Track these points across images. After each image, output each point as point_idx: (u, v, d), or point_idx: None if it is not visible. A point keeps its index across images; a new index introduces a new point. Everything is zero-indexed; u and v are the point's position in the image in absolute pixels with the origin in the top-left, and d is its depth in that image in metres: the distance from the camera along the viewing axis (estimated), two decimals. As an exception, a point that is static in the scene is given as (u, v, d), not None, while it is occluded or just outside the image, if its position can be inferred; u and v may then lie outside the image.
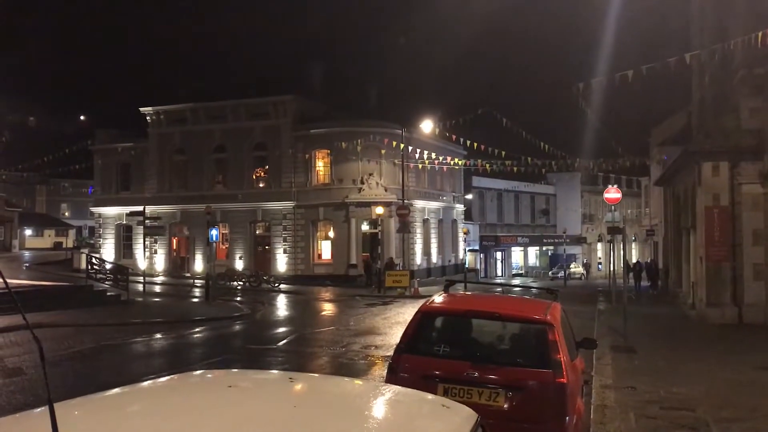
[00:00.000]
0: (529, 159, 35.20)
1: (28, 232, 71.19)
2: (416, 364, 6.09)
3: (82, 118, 73.18)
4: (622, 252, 20.72)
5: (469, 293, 12.79)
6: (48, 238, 72.63)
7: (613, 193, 26.02)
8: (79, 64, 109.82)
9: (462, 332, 6.83)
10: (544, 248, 68.56)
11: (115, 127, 48.88)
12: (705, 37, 21.30)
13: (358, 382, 3.14)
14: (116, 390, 2.36)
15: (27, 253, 58.72)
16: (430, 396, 2.82)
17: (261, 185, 43.07)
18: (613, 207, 27.67)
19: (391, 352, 13.52)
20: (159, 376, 2.85)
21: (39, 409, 2.00)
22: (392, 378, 6.03)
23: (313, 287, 35.62)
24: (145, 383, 2.65)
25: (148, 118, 45.36)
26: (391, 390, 2.72)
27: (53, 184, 78.61)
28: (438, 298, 7.08)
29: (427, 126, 34.38)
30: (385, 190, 39.41)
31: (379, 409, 2.36)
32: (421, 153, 38.15)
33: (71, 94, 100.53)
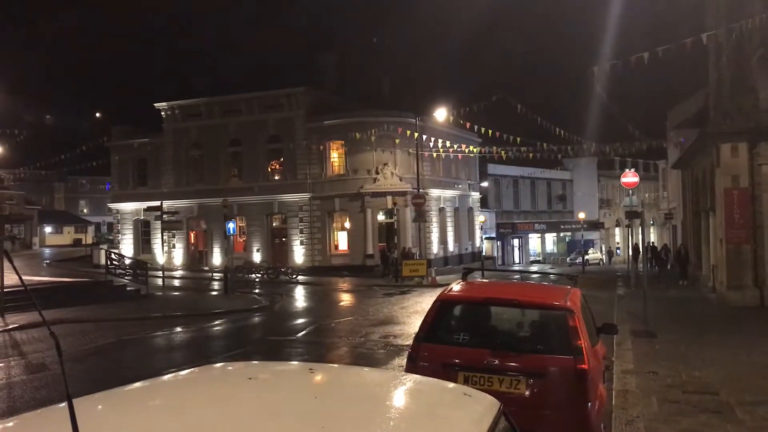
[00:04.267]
0: (545, 145, 34.93)
1: (48, 229, 71.97)
2: (436, 353, 6.08)
3: (98, 115, 73.75)
4: (640, 236, 20.55)
5: (487, 281, 12.74)
6: (67, 235, 73.42)
7: (630, 177, 25.80)
8: (93, 63, 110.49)
9: (481, 320, 6.81)
10: (562, 234, 68.23)
11: (131, 124, 49.20)
12: (722, 17, 20.98)
13: (378, 371, 3.13)
14: (137, 384, 2.37)
15: (47, 250, 59.41)
16: (451, 384, 2.81)
17: (276, 178, 43.17)
18: (630, 191, 27.47)
19: (409, 342, 13.53)
20: (179, 370, 2.86)
21: (61, 405, 2.01)
22: (412, 367, 6.03)
23: (330, 278, 35.72)
24: (166, 377, 2.66)
25: (162, 113, 45.58)
26: (412, 379, 2.70)
27: (71, 182, 79.36)
28: (456, 287, 7.05)
29: (440, 114, 34.21)
30: (400, 180, 39.34)
31: (400, 398, 2.35)
32: (436, 141, 37.99)
33: (87, 92, 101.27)
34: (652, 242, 52.68)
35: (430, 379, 2.86)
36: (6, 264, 19.01)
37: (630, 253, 33.57)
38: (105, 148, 47.92)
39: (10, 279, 19.52)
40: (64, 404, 1.80)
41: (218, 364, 2.87)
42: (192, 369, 2.66)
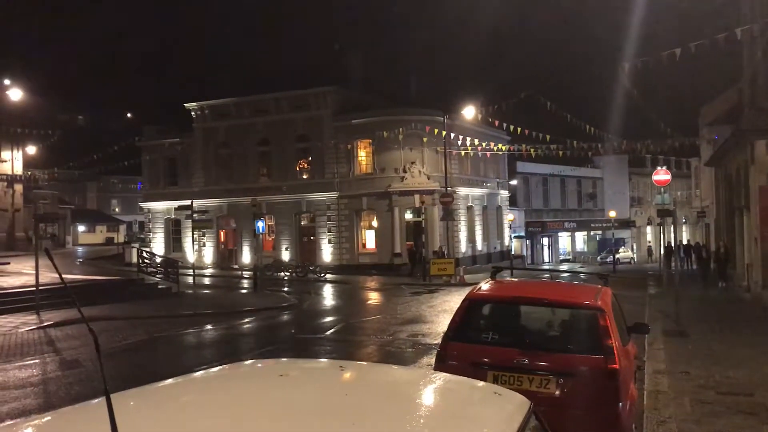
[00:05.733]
0: (575, 142, 34.57)
1: (81, 228, 73.22)
2: (465, 352, 6.07)
3: (129, 115, 74.83)
4: (672, 235, 20.26)
5: (517, 280, 12.66)
6: (100, 234, 74.62)
7: (662, 175, 25.45)
8: (125, 63, 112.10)
9: (510, 319, 6.79)
10: (592, 233, 67.50)
11: (162, 124, 49.81)
12: (757, 11, 20.56)
13: (408, 369, 3.14)
14: (170, 380, 2.40)
15: (80, 249, 60.45)
16: (480, 383, 2.80)
17: (304, 176, 43.39)
18: (662, 189, 27.10)
19: (438, 341, 13.52)
20: (210, 367, 2.89)
21: (96, 400, 2.04)
22: (441, 366, 6.02)
23: (358, 276, 35.81)
24: (198, 373, 2.69)
25: (192, 113, 46.10)
26: (442, 377, 2.70)
27: (103, 181, 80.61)
28: (485, 285, 7.02)
29: (469, 112, 34.05)
30: (428, 178, 39.27)
31: (430, 396, 2.35)
32: (464, 139, 37.84)
33: (119, 92, 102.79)
34: (687, 240, 51.89)
35: (460, 377, 2.85)
36: (43, 262, 19.41)
37: (662, 251, 33.06)
38: (136, 147, 48.62)
39: (45, 277, 19.91)
40: (99, 399, 1.84)
41: (249, 361, 2.90)
42: (223, 366, 2.69)
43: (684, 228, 62.91)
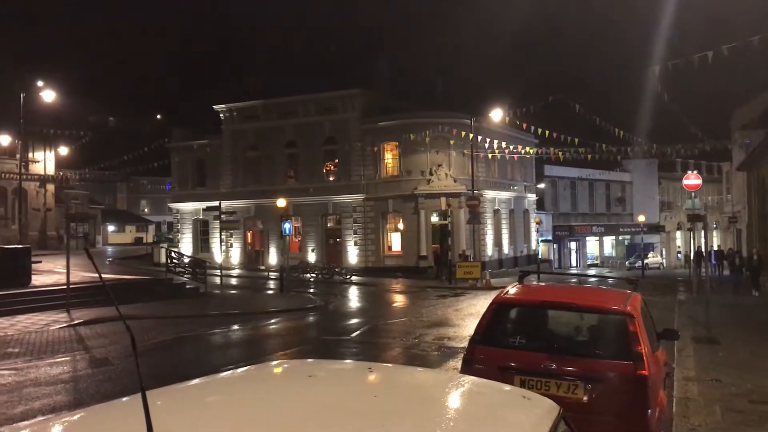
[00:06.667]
0: (604, 146, 34.23)
1: (111, 228, 74.27)
2: (491, 356, 6.03)
3: (158, 117, 75.75)
4: (703, 240, 19.95)
5: (544, 284, 12.55)
6: (129, 234, 75.63)
7: (692, 180, 25.02)
8: (155, 66, 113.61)
9: (538, 323, 6.73)
10: (620, 237, 66.73)
11: (191, 125, 50.37)
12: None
13: (436, 372, 3.13)
14: (200, 379, 2.43)
15: (110, 248, 61.32)
16: (508, 387, 2.78)
17: (331, 179, 43.55)
18: (692, 194, 26.61)
19: (464, 344, 13.46)
20: (237, 367, 2.91)
21: (130, 397, 2.07)
22: (467, 369, 5.98)
23: (383, 279, 35.82)
24: (229, 373, 2.71)
25: (221, 115, 46.54)
26: (470, 381, 2.69)
27: (133, 182, 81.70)
28: (512, 289, 6.97)
29: (496, 114, 33.90)
30: (455, 181, 39.17)
31: (459, 399, 2.34)
32: (491, 142, 37.67)
33: (148, 94, 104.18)
34: (718, 246, 51.06)
35: (489, 381, 2.84)
36: (73, 261, 19.73)
37: (692, 257, 32.55)
38: (165, 149, 49.23)
39: (75, 276, 20.23)
40: (136, 396, 1.86)
41: (278, 362, 2.92)
42: (252, 366, 2.71)
43: (715, 233, 61.90)
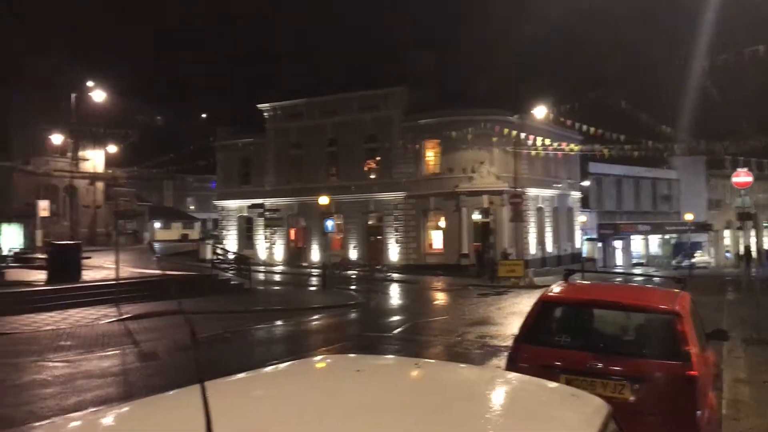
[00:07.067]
0: (650, 143, 33.55)
1: (157, 224, 75.70)
2: (536, 354, 6.00)
3: (203, 116, 76.95)
4: (754, 239, 19.42)
5: (589, 282, 12.36)
6: (175, 231, 76.97)
7: (743, 177, 24.32)
8: (200, 65, 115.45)
9: (584, 322, 6.66)
10: (667, 236, 65.34)
11: (235, 124, 51.04)
12: None
13: (485, 369, 3.14)
14: (251, 372, 2.48)
15: (157, 245, 62.49)
16: (556, 385, 2.76)
17: (373, 176, 43.67)
18: (742, 191, 25.89)
19: (506, 343, 13.38)
20: (282, 362, 2.96)
21: (186, 388, 2.14)
22: (512, 368, 5.95)
23: (424, 276, 35.77)
24: (280, 366, 2.77)
25: (265, 114, 47.09)
26: (518, 378, 2.68)
27: (179, 180, 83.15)
28: (557, 288, 6.92)
29: (539, 111, 33.54)
30: (497, 179, 38.88)
31: (508, 396, 2.34)
32: (534, 139, 37.24)
33: (194, 93, 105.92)
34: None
35: (536, 378, 2.83)
36: (123, 257, 20.23)
37: (743, 256, 31.70)
38: (211, 147, 50.05)
39: (122, 271, 20.72)
40: (190, 387, 1.92)
41: (327, 356, 2.96)
42: (302, 360, 2.75)
43: (766, 232, 60.17)
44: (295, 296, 26.19)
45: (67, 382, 10.19)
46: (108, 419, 2.07)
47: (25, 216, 42.67)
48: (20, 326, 16.05)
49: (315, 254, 44.05)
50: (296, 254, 46.05)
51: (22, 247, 40.19)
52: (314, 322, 18.77)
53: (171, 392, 2.23)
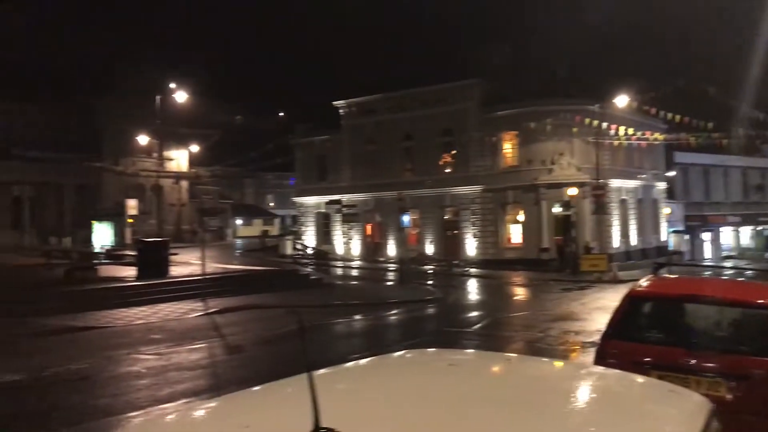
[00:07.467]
0: (740, 130, 31.99)
1: (239, 221, 77.84)
2: (626, 351, 5.82)
3: (281, 114, 78.55)
4: None
5: (679, 276, 11.89)
6: (256, 227, 78.94)
7: None
8: (277, 65, 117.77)
9: (675, 318, 6.43)
10: (760, 228, 62.21)
11: (311, 122, 51.85)
12: None
13: (577, 365, 3.05)
14: (350, 364, 2.50)
15: (238, 241, 64.31)
16: (653, 380, 2.65)
17: (449, 171, 43.43)
18: None
19: (591, 339, 13.07)
20: (364, 355, 2.96)
21: (294, 377, 2.19)
22: (600, 364, 5.79)
23: (503, 271, 35.32)
24: (374, 359, 2.77)
25: (341, 111, 47.58)
26: (614, 374, 2.60)
27: (259, 177, 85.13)
28: (647, 282, 6.70)
29: (621, 100, 32.51)
30: (578, 170, 37.94)
31: (605, 392, 2.25)
32: (616, 129, 36.09)
33: (271, 93, 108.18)
34: None
35: (632, 374, 2.73)
36: (207, 253, 20.90)
37: None
38: (289, 145, 51.05)
39: (207, 267, 21.38)
40: (298, 376, 1.99)
41: (419, 350, 2.95)
42: (397, 353, 2.76)
43: None
44: (372, 291, 26.35)
45: (159, 373, 10.60)
46: (223, 406, 2.13)
47: (114, 214, 44.83)
48: (113, 320, 16.83)
49: (391, 249, 44.22)
50: (373, 249, 46.36)
51: (112, 244, 42.20)
52: (392, 317, 18.85)
53: (280, 381, 2.29)
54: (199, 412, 2.10)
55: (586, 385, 2.36)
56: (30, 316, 16.38)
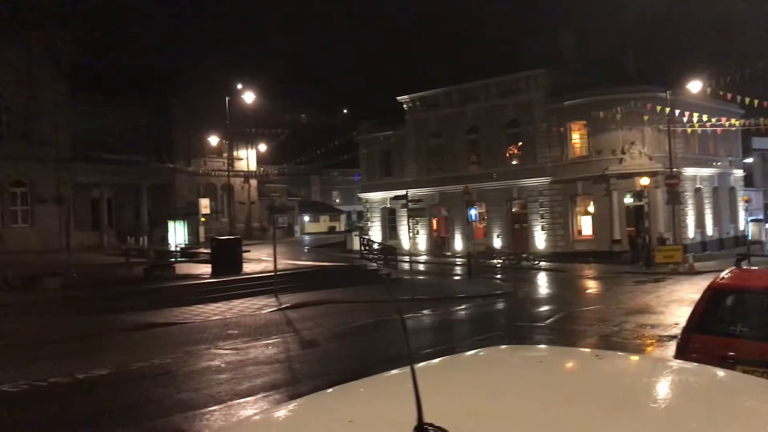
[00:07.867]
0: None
1: (306, 218, 79.10)
2: (708, 345, 5.69)
3: (345, 111, 79.26)
4: None
5: (762, 268, 11.45)
6: (323, 223, 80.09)
7: None
8: (338, 61, 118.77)
9: (760, 311, 6.23)
10: None
11: (376, 118, 52.13)
12: None
13: (669, 361, 3.01)
14: (436, 360, 2.55)
15: (306, 237, 65.36)
16: (748, 376, 2.59)
17: (515, 162, 42.91)
18: None
19: (668, 332, 12.77)
20: (435, 351, 3.00)
21: (395, 371, 2.27)
22: (682, 358, 5.69)
23: (574, 264, 34.69)
24: (463, 354, 2.82)
25: (404, 105, 47.60)
26: (707, 370, 2.55)
27: (325, 174, 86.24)
28: (729, 274, 6.51)
29: (695, 86, 31.38)
30: (650, 159, 36.85)
31: (699, 389, 2.22)
32: (690, 116, 34.85)
33: (337, 90, 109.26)
34: None
35: (728, 371, 2.68)
36: (278, 249, 21.35)
37: None
38: (353, 142, 51.50)
39: (279, 263, 21.82)
40: (400, 370, 2.10)
41: (504, 346, 2.98)
42: (486, 348, 2.79)
43: None
44: (440, 286, 26.34)
45: (237, 368, 10.92)
46: (326, 400, 2.23)
47: (188, 213, 46.24)
48: (191, 316, 17.41)
49: (458, 243, 44.04)
50: (439, 244, 46.28)
51: (186, 242, 43.55)
52: (462, 312, 18.81)
53: (382, 374, 2.37)
54: (305, 407, 2.18)
55: (683, 383, 2.33)
56: (114, 313, 17.13)
